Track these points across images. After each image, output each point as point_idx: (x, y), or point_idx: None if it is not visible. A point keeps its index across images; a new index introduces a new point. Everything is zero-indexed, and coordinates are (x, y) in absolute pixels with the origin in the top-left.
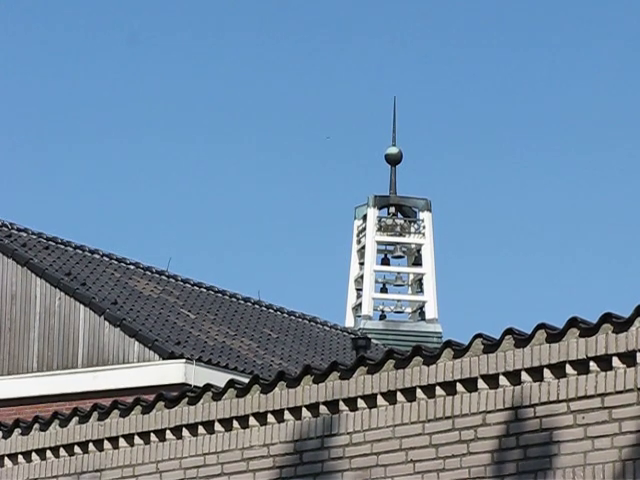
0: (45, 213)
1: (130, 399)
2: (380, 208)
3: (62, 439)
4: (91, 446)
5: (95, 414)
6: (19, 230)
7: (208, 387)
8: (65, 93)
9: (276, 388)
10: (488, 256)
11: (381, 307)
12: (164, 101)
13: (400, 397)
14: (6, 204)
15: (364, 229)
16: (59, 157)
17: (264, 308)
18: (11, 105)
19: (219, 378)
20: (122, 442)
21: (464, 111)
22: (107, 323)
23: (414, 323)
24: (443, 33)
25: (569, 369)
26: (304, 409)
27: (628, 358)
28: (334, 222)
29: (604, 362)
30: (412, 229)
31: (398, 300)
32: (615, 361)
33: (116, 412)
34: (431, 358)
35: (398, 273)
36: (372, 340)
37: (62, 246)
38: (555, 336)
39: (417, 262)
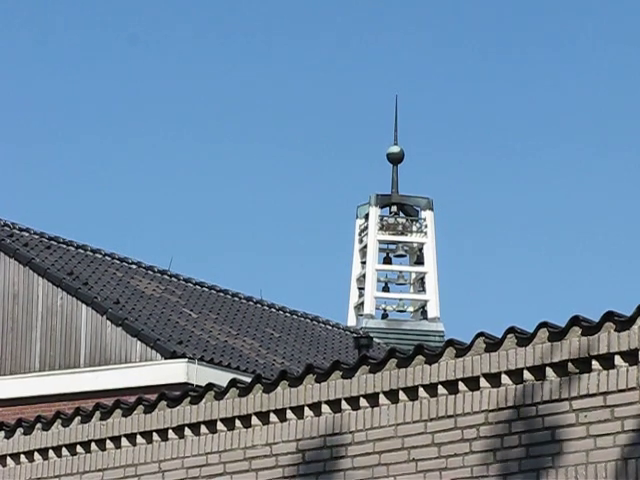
0: (47, 213)
1: (132, 399)
2: (382, 207)
3: (64, 439)
4: (93, 446)
5: (97, 414)
6: (21, 230)
7: (210, 386)
8: (66, 93)
9: (278, 387)
10: (490, 255)
11: (383, 306)
12: (164, 101)
13: (402, 396)
14: (8, 204)
15: (366, 228)
16: (60, 157)
17: (266, 307)
18: (11, 105)
19: (221, 377)
20: (124, 442)
21: (466, 110)
22: (109, 322)
23: (416, 322)
24: (445, 32)
25: (571, 367)
26: (306, 408)
27: (630, 356)
28: (336, 221)
29: (606, 360)
30: (414, 228)
31: (400, 299)
32: (617, 359)
33: (118, 412)
34: (433, 357)
35: (400, 272)
36: (374, 339)
37: (64, 246)
38: (557, 334)
39: (419, 261)
